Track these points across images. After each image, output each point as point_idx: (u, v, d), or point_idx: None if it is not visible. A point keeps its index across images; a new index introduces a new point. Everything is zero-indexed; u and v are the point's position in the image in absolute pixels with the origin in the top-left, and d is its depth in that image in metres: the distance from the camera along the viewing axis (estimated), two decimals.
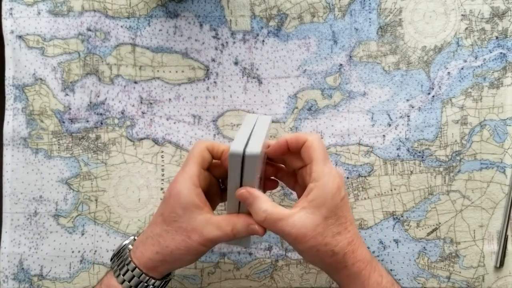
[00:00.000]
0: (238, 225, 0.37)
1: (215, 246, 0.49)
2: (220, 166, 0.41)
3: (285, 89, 0.49)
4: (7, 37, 0.49)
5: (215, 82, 0.49)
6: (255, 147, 0.35)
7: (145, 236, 0.39)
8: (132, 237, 0.42)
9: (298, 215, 0.35)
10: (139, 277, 0.38)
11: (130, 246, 0.40)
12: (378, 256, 0.49)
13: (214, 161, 0.41)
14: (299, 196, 0.41)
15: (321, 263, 0.37)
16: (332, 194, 0.35)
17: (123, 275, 0.38)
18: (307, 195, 0.36)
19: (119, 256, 0.40)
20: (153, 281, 0.38)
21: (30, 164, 0.49)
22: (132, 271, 0.38)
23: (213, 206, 0.42)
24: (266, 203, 0.36)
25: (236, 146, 0.35)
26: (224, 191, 0.43)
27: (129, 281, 0.38)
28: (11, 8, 0.49)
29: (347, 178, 0.49)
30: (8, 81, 0.49)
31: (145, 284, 0.38)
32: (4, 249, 0.48)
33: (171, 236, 0.37)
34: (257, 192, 0.37)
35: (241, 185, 0.37)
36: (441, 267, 0.49)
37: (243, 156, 0.35)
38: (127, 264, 0.38)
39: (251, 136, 0.37)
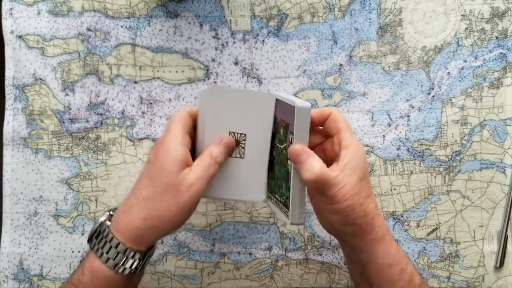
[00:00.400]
0: (212, 149, 0.38)
1: (215, 246, 0.49)
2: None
3: (285, 89, 0.49)
4: (7, 37, 0.49)
5: (215, 82, 0.49)
6: (305, 103, 0.37)
7: (128, 205, 0.38)
8: (108, 213, 0.40)
9: (341, 176, 0.36)
10: (124, 253, 0.37)
11: (108, 222, 0.38)
12: None
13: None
14: None
15: (353, 224, 0.37)
16: (363, 159, 0.38)
17: (106, 253, 0.37)
18: (341, 161, 0.37)
19: (98, 234, 0.38)
20: (138, 254, 0.37)
21: (30, 164, 0.49)
22: (116, 247, 0.37)
23: None
24: (319, 162, 0.37)
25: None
26: None
27: (114, 259, 0.37)
28: (11, 8, 0.49)
29: None
30: (8, 81, 0.49)
31: (131, 259, 0.37)
32: (4, 249, 0.48)
33: (160, 197, 0.37)
34: (310, 150, 0.37)
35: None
36: (441, 267, 0.49)
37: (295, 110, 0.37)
38: (110, 241, 0.37)
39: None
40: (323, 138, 0.41)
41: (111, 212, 0.40)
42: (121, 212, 0.38)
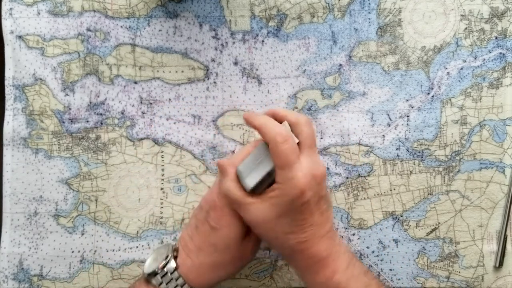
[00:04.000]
0: None
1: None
2: None
3: (285, 89, 0.50)
4: (7, 37, 0.49)
5: (214, 82, 0.50)
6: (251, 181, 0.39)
7: (198, 263, 0.39)
8: (170, 255, 0.40)
9: (255, 206, 0.37)
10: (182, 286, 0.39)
11: (172, 264, 0.39)
12: (377, 256, 0.49)
13: None
14: None
15: (272, 249, 0.41)
16: (290, 200, 0.36)
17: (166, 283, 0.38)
18: (270, 192, 0.38)
19: (164, 275, 0.39)
20: None
21: (30, 164, 0.49)
22: (182, 286, 0.39)
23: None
24: (231, 182, 0.39)
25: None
26: None
27: None
28: (11, 8, 0.49)
29: (347, 178, 0.49)
30: (8, 81, 0.49)
31: None
32: (4, 249, 0.49)
33: (228, 264, 0.40)
34: (232, 170, 0.39)
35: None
36: (440, 267, 0.49)
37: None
38: (181, 286, 0.39)
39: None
40: None
41: (174, 253, 0.41)
42: (191, 266, 0.39)
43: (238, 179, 0.39)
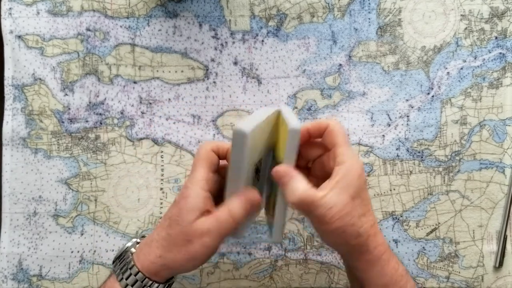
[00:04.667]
0: (233, 205, 0.36)
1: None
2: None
3: (285, 89, 0.49)
4: (6, 37, 0.49)
5: (214, 82, 0.49)
6: (246, 126, 0.33)
7: (151, 238, 0.38)
8: (135, 240, 0.41)
9: (329, 196, 0.35)
10: (142, 281, 0.37)
11: (132, 249, 0.39)
12: None
13: (221, 162, 0.40)
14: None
15: (345, 245, 0.36)
16: (358, 176, 0.36)
17: (126, 279, 0.37)
18: (333, 178, 0.36)
19: (121, 259, 0.39)
20: (156, 284, 0.38)
21: (30, 164, 0.49)
22: (135, 275, 0.37)
23: None
24: (302, 183, 0.35)
25: (242, 125, 0.33)
26: None
27: (132, 285, 0.37)
28: (10, 8, 0.49)
29: None
30: (7, 81, 0.49)
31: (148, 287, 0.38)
32: (3, 249, 0.48)
33: (173, 241, 0.37)
34: (294, 171, 0.36)
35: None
36: (440, 267, 0.49)
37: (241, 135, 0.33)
38: (130, 268, 0.38)
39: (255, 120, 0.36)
40: (322, 150, 0.39)
41: (138, 240, 0.40)
42: (144, 243, 0.39)
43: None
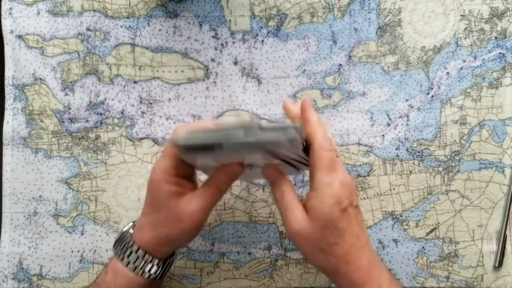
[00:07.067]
0: (218, 176, 0.38)
1: (214, 246, 0.49)
2: None
3: (285, 89, 0.50)
4: (7, 37, 0.49)
5: (214, 82, 0.50)
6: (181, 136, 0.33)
7: (141, 223, 0.40)
8: (131, 223, 0.42)
9: (302, 215, 0.36)
10: (143, 257, 0.39)
11: (131, 230, 0.41)
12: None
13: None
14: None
15: (315, 265, 0.38)
16: (329, 207, 0.35)
17: (128, 257, 0.39)
18: (307, 202, 0.37)
19: (122, 241, 0.41)
20: (156, 260, 0.40)
21: (30, 164, 0.49)
22: (136, 252, 0.39)
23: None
24: (285, 185, 0.37)
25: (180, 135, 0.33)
26: None
27: (134, 262, 0.39)
28: (10, 8, 0.49)
29: None
30: (7, 81, 0.49)
31: (150, 264, 0.39)
32: (3, 249, 0.49)
33: (162, 223, 0.39)
34: (280, 173, 0.38)
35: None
36: (440, 267, 0.49)
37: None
38: (131, 246, 0.40)
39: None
40: None
41: (134, 222, 0.42)
42: (138, 226, 0.41)
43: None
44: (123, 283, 0.39)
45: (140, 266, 0.39)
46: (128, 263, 0.39)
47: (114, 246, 0.41)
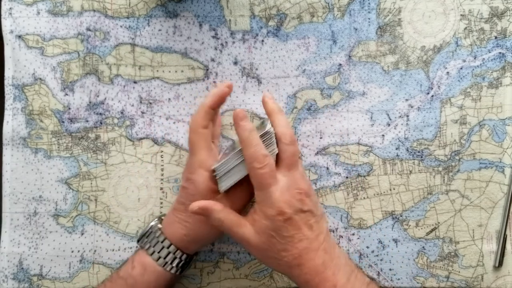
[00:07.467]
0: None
1: (214, 246, 0.49)
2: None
3: (284, 89, 0.50)
4: (7, 37, 0.49)
5: (214, 82, 0.50)
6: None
7: (171, 219, 0.42)
8: (157, 219, 0.44)
9: (248, 228, 0.39)
10: (174, 253, 0.42)
11: (159, 225, 0.43)
12: (377, 255, 0.49)
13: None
14: None
15: (271, 268, 0.41)
16: (270, 220, 0.38)
17: (158, 252, 0.41)
18: (253, 214, 0.39)
19: (149, 235, 0.42)
20: (185, 256, 0.42)
21: (30, 164, 0.49)
22: (168, 247, 0.41)
23: None
24: (219, 213, 0.39)
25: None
26: None
27: (165, 258, 0.41)
28: (10, 8, 0.49)
29: (346, 177, 0.49)
30: (7, 81, 0.49)
31: (178, 259, 0.42)
32: (3, 249, 0.49)
33: (192, 223, 0.41)
34: (209, 204, 0.39)
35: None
36: (440, 267, 0.49)
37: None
38: (162, 242, 0.42)
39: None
40: None
41: (161, 217, 0.45)
42: (167, 222, 0.43)
43: (214, 177, 0.41)
44: (151, 278, 0.41)
45: (170, 261, 0.41)
46: (159, 258, 0.41)
47: (139, 241, 0.43)
